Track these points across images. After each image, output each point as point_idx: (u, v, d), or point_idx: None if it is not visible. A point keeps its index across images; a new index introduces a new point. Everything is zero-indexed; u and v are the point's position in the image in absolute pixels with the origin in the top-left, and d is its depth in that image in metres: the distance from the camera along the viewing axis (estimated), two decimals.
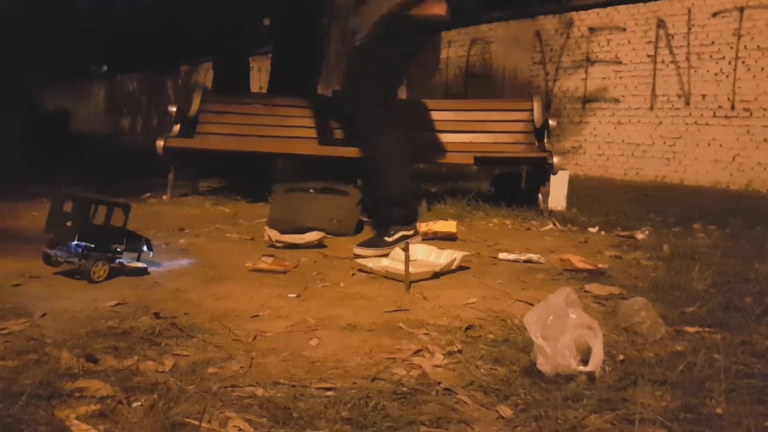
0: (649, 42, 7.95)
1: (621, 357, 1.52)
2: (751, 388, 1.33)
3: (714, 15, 7.33)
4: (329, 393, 1.30)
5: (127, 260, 2.30)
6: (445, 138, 4.57)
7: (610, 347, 1.55)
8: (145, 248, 2.35)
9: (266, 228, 3.04)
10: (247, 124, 4.96)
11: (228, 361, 1.47)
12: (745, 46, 7.08)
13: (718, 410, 1.23)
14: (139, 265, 2.31)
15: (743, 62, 7.10)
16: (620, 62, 8.24)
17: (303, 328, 1.75)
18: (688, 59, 7.57)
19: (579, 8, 8.68)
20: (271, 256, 2.54)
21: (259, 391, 1.30)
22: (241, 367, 1.44)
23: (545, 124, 4.46)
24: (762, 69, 6.96)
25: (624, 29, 8.19)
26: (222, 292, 2.10)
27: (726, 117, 7.22)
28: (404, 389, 1.33)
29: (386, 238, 2.81)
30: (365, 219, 3.47)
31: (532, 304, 1.85)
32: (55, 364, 1.39)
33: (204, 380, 1.35)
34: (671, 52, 7.73)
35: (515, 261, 2.70)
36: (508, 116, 4.77)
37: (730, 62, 7.20)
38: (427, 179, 5.83)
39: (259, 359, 1.50)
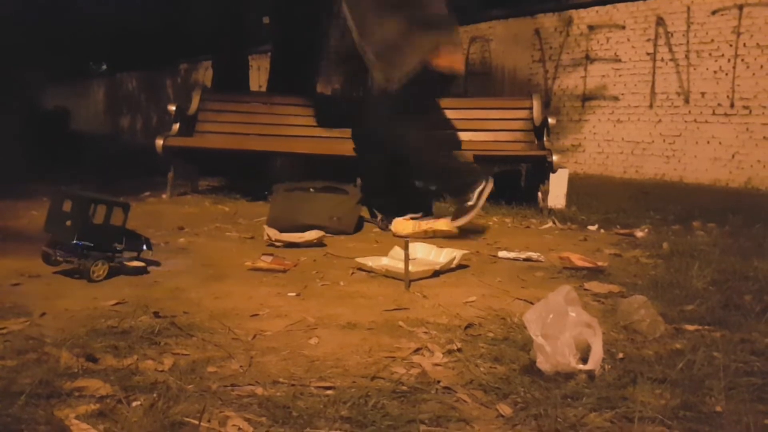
0: (648, 40, 7.94)
1: (620, 355, 1.52)
2: (750, 386, 1.33)
3: (713, 13, 7.32)
4: (329, 392, 1.30)
5: (127, 259, 2.30)
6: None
7: (610, 345, 1.55)
8: (144, 247, 2.35)
9: (266, 227, 3.03)
10: (247, 122, 4.96)
11: (227, 360, 1.47)
12: (744, 44, 7.07)
13: (718, 408, 1.24)
14: (139, 264, 2.31)
15: (742, 60, 7.09)
16: (620, 60, 8.23)
17: (302, 327, 1.75)
18: (687, 57, 7.56)
19: (578, 6, 8.66)
20: (271, 255, 2.54)
21: (259, 390, 1.30)
22: (241, 366, 1.43)
23: (545, 122, 4.47)
24: (761, 67, 6.95)
25: (623, 27, 8.18)
26: (221, 291, 2.10)
27: (725, 115, 7.22)
28: (404, 388, 1.33)
29: (469, 203, 3.21)
30: (368, 219, 3.50)
31: (531, 303, 1.85)
32: (55, 363, 1.39)
33: (203, 379, 1.35)
34: (670, 50, 7.72)
35: (515, 259, 2.70)
36: (508, 114, 4.77)
37: (729, 60, 7.19)
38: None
39: (259, 358, 1.50)
